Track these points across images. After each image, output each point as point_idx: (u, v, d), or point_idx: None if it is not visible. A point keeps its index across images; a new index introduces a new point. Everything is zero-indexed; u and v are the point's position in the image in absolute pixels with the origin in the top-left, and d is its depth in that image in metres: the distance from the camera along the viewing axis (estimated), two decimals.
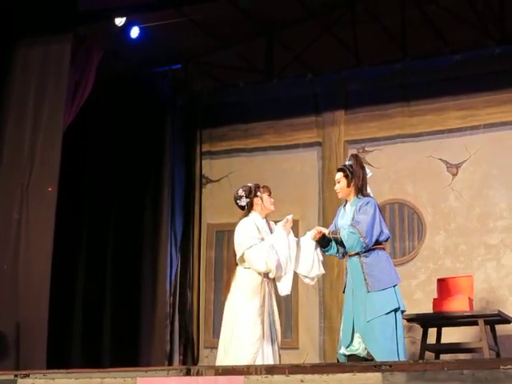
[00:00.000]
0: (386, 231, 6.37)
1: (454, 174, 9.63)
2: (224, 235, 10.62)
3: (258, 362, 6.30)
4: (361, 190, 6.46)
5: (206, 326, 10.43)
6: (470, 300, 7.98)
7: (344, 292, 6.50)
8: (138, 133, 10.33)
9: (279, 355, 6.66)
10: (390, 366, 4.64)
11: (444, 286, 8.24)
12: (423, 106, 9.94)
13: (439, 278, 8.49)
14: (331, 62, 10.42)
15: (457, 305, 7.90)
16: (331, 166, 10.20)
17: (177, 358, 10.13)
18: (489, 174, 9.49)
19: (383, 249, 6.35)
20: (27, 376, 5.45)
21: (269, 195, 6.87)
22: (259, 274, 6.57)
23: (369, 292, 6.17)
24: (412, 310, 7.86)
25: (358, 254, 6.30)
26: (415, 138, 9.93)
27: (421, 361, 5.82)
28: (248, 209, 6.82)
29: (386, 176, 9.82)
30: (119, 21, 8.92)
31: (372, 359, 6.08)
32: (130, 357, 9.40)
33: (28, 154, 8.42)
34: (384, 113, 10.17)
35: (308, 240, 6.61)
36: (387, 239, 6.40)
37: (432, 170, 9.74)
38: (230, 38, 10.49)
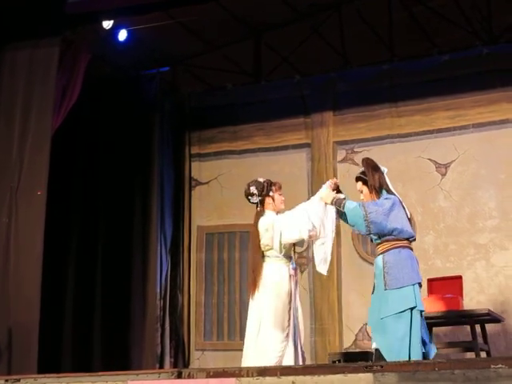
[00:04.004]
0: (408, 229, 6.26)
1: (443, 174, 9.65)
2: (214, 237, 10.63)
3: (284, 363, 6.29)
4: (382, 190, 6.41)
5: (196, 329, 10.43)
6: (460, 300, 7.99)
7: (373, 293, 6.45)
8: (126, 136, 10.31)
9: (304, 359, 6.64)
10: (382, 366, 4.64)
11: (434, 286, 8.24)
12: (411, 106, 9.96)
13: (429, 278, 8.49)
14: (319, 63, 10.46)
15: (447, 305, 7.91)
16: (320, 167, 10.24)
17: (168, 360, 10.12)
18: (477, 173, 9.52)
19: (407, 247, 6.25)
20: (18, 381, 5.43)
21: (280, 194, 6.84)
22: (286, 263, 6.55)
23: (386, 290, 6.14)
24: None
25: (382, 252, 6.27)
26: (404, 138, 9.95)
27: (412, 361, 5.83)
28: (261, 207, 6.77)
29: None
30: (107, 24, 8.91)
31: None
32: (121, 360, 9.38)
33: (17, 158, 8.39)
34: (372, 113, 10.18)
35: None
36: (410, 238, 6.30)
37: (421, 170, 9.76)
38: (218, 40, 10.52)
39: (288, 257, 6.70)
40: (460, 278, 8.33)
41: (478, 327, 8.00)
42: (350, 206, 6.33)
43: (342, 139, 10.30)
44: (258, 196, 6.77)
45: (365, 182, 6.45)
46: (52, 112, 8.49)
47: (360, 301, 9.41)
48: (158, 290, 10.15)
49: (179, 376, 5.06)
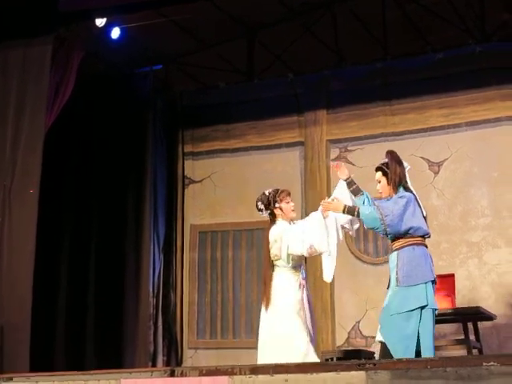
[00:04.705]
0: (423, 227, 6.25)
1: (436, 173, 9.66)
2: (207, 236, 10.63)
3: None
4: (400, 185, 6.41)
5: (189, 327, 10.43)
6: (453, 298, 8.00)
7: (388, 288, 6.45)
8: (119, 134, 10.30)
9: None
10: (374, 364, 4.66)
11: None
12: (405, 104, 9.97)
13: None
14: (312, 61, 10.46)
15: (439, 303, 7.90)
16: (313, 166, 10.24)
17: (160, 359, 10.12)
18: (470, 171, 9.53)
19: (422, 244, 6.23)
20: (10, 379, 5.43)
21: (287, 203, 6.72)
22: (296, 273, 6.55)
23: (398, 286, 6.14)
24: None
25: (397, 249, 6.27)
26: (397, 136, 9.95)
27: (404, 359, 5.83)
28: (272, 218, 6.76)
29: (368, 175, 9.81)
30: (100, 22, 8.90)
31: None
32: (114, 358, 9.38)
33: (10, 157, 8.38)
34: (366, 112, 10.19)
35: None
36: (425, 235, 6.29)
37: (414, 168, 9.72)
38: (211, 38, 10.51)
39: (298, 266, 6.66)
40: (452, 276, 8.34)
41: (470, 325, 8.02)
42: (365, 211, 6.29)
43: (336, 137, 10.30)
44: (266, 209, 6.74)
45: (385, 174, 6.43)
46: (45, 111, 8.48)
47: (353, 299, 9.43)
48: (151, 289, 10.15)
49: (172, 374, 5.07)
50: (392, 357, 5.88)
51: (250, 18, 10.32)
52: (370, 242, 9.75)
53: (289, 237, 6.52)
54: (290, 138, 10.52)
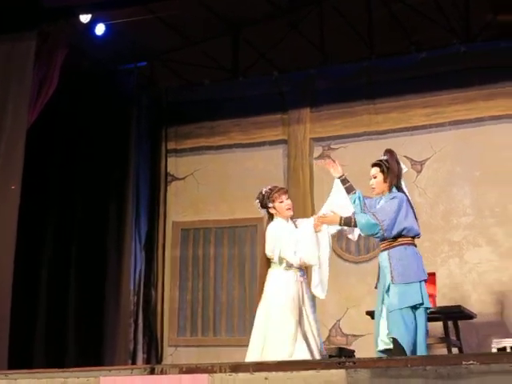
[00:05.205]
0: (415, 227, 6.28)
1: (419, 171, 9.68)
2: (189, 233, 10.62)
3: None
4: (395, 185, 6.42)
5: (170, 325, 10.41)
6: (434, 296, 8.02)
7: (376, 287, 6.46)
8: (103, 130, 10.28)
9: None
10: (354, 362, 4.66)
11: None
12: (389, 103, 9.99)
13: None
14: (298, 60, 10.46)
15: None
16: (296, 164, 10.25)
17: (141, 356, 10.10)
18: (453, 171, 9.57)
19: (412, 244, 6.27)
20: None
21: (281, 202, 6.62)
22: (293, 271, 6.53)
23: (393, 284, 6.16)
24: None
25: (387, 248, 6.28)
26: (380, 135, 9.97)
27: (384, 357, 5.86)
28: (270, 216, 6.73)
29: (351, 173, 9.80)
30: (84, 18, 8.87)
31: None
32: (94, 356, 9.36)
33: None
34: (350, 110, 10.20)
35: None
36: (416, 235, 6.32)
37: None
38: (196, 35, 10.48)
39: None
40: (433, 274, 8.36)
41: (450, 323, 8.06)
42: (361, 220, 6.30)
43: (319, 136, 10.31)
44: (263, 208, 6.71)
45: (383, 171, 6.44)
46: (28, 108, 8.44)
47: (334, 297, 9.43)
48: (132, 286, 10.12)
49: (152, 372, 5.06)
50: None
51: (236, 15, 10.31)
52: (351, 240, 9.75)
53: (282, 243, 6.49)
54: (273, 135, 10.52)
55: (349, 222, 6.42)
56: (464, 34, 9.91)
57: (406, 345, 5.98)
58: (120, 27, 9.41)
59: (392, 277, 6.16)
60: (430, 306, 6.38)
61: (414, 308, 6.12)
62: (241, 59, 10.87)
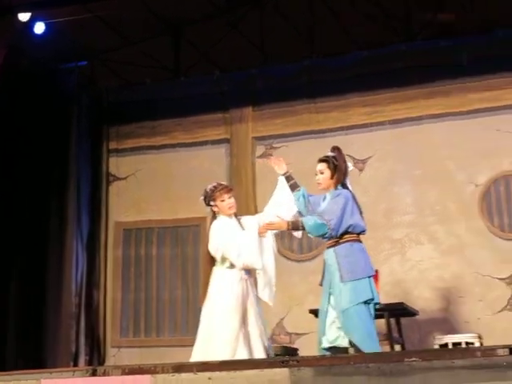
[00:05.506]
0: (361, 224, 6.28)
1: (361, 170, 9.74)
2: (131, 233, 10.55)
3: None
4: (341, 183, 6.41)
5: (113, 326, 10.34)
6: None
7: (321, 285, 6.44)
8: (43, 130, 10.17)
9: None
10: (298, 361, 4.67)
11: None
12: (329, 102, 10.03)
13: None
14: (239, 59, 10.46)
15: None
16: (239, 163, 10.26)
17: (83, 358, 10.00)
18: (394, 169, 9.65)
19: (358, 241, 6.28)
20: None
21: (222, 201, 6.52)
22: (237, 270, 6.47)
23: (342, 282, 6.16)
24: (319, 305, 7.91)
25: (333, 245, 6.28)
26: (321, 134, 10.00)
27: (327, 355, 5.88)
28: (213, 213, 6.65)
29: (293, 172, 9.85)
30: (23, 16, 8.75)
31: (354, 346, 6.09)
32: (35, 358, 9.25)
33: None
34: (291, 109, 10.23)
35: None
36: (361, 232, 6.33)
37: None
38: (137, 35, 10.44)
39: None
40: (376, 272, 8.41)
41: (392, 321, 8.12)
42: (308, 222, 6.27)
43: (261, 135, 10.33)
44: (207, 205, 6.66)
45: (329, 167, 6.43)
46: None
47: (277, 296, 9.34)
48: (74, 287, 10.02)
49: (94, 374, 5.01)
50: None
51: (177, 15, 10.30)
52: (294, 239, 9.77)
53: (225, 244, 6.45)
54: (215, 135, 10.51)
55: (297, 226, 6.37)
56: (404, 33, 10.01)
57: (369, 338, 6.01)
58: (60, 26, 9.32)
59: (341, 275, 6.16)
60: (379, 301, 6.42)
61: (366, 303, 6.16)
62: (182, 59, 10.86)
